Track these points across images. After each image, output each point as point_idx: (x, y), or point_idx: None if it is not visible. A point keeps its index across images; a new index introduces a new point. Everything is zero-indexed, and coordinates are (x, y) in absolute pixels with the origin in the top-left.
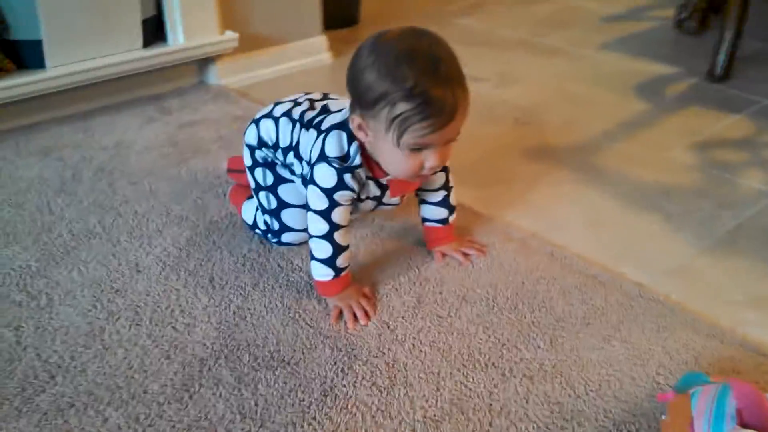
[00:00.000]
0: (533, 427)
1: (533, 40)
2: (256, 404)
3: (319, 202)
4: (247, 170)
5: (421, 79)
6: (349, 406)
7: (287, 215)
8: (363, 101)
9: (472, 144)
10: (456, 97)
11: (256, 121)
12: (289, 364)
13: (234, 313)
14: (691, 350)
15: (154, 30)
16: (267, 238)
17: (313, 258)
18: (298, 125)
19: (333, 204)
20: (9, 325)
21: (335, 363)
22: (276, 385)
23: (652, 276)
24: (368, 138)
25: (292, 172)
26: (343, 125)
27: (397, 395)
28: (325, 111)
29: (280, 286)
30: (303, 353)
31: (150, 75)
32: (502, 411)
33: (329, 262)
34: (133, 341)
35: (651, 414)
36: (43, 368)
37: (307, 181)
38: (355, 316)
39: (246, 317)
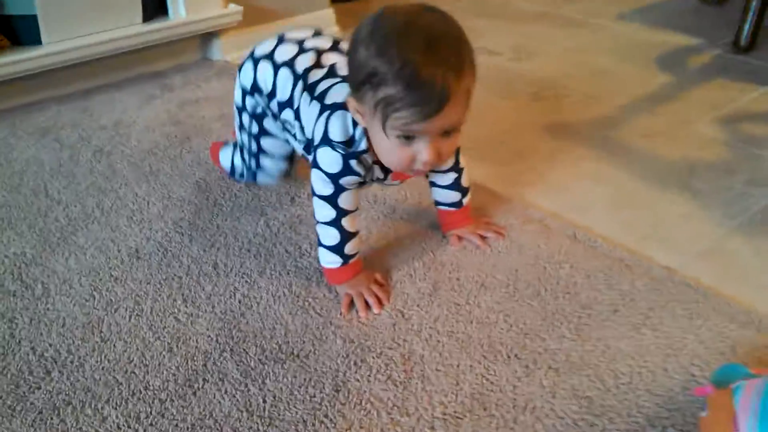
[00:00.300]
0: (561, 424)
1: (550, 12)
2: (264, 400)
3: (324, 187)
4: (234, 107)
5: (411, 59)
6: (363, 402)
7: (266, 161)
8: (352, 81)
9: (487, 119)
10: (447, 83)
11: (255, 60)
12: (298, 357)
13: (239, 302)
14: (727, 339)
15: (155, 4)
16: (241, 177)
17: (320, 244)
18: (300, 85)
19: (339, 189)
20: (2, 316)
21: (347, 355)
22: (285, 380)
23: (681, 258)
24: (364, 122)
25: (285, 129)
26: (346, 105)
27: (414, 390)
28: (332, 74)
29: (288, 273)
30: (313, 345)
31: (150, 51)
32: (527, 406)
33: (337, 248)
34: (133, 333)
35: (687, 409)
36: (39, 363)
37: (311, 164)
38: (367, 304)
39: (252, 306)
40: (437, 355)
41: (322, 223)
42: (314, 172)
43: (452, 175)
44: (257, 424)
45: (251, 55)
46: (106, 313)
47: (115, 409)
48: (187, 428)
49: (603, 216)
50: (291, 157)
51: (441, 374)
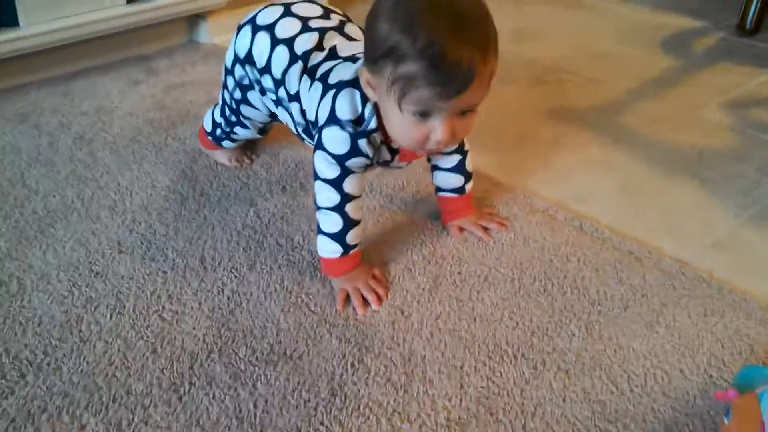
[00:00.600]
0: (573, 430)
1: None
2: (255, 406)
3: (329, 170)
4: (223, 68)
5: (437, 37)
6: (362, 408)
7: (239, 129)
8: (370, 53)
9: (488, 104)
10: (473, 64)
11: (255, 28)
12: (291, 358)
13: (228, 298)
14: (745, 337)
15: None
16: (221, 137)
17: (320, 232)
18: (298, 67)
19: (345, 172)
20: None
21: (344, 356)
22: (277, 384)
23: (693, 251)
24: (376, 96)
25: (277, 103)
26: (356, 82)
27: (415, 394)
28: (333, 56)
29: (280, 267)
30: (307, 345)
31: (135, 33)
32: (536, 411)
33: (338, 237)
34: (115, 333)
35: (706, 413)
36: (12, 366)
37: (315, 146)
38: (365, 300)
39: (242, 303)
40: (439, 356)
41: (324, 208)
42: (318, 153)
43: (456, 158)
44: None
45: (252, 21)
46: (85, 310)
47: (95, 416)
48: None
49: (609, 205)
50: (265, 129)
51: (444, 376)
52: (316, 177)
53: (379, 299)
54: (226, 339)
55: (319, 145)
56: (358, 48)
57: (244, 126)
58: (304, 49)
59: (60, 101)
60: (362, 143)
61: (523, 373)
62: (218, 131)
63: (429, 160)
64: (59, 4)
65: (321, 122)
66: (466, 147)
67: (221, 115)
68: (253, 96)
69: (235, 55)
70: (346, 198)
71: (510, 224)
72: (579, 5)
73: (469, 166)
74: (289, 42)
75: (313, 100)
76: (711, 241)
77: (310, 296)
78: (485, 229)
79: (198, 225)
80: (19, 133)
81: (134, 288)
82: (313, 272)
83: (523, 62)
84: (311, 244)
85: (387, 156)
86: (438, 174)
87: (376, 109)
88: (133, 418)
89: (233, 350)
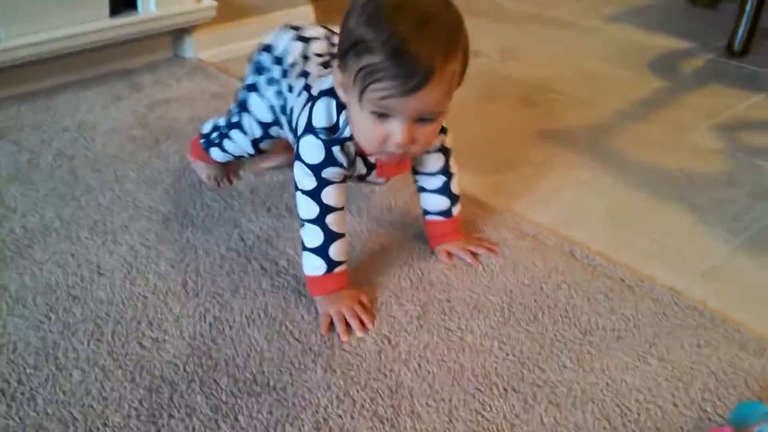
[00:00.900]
0: None
1: (537, 12)
2: None
3: (307, 180)
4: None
5: (400, 30)
6: None
7: (238, 134)
8: (339, 49)
9: (475, 124)
10: (433, 62)
11: (292, 36)
12: (274, 389)
13: (210, 325)
14: (740, 370)
15: None
16: (212, 138)
17: (304, 248)
18: (301, 83)
19: (322, 182)
20: None
21: (329, 387)
22: (260, 416)
23: (685, 279)
24: (345, 96)
25: (283, 110)
26: (332, 91)
27: (402, 428)
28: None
29: (264, 293)
30: (291, 375)
31: (119, 47)
32: None
33: (320, 251)
34: (92, 361)
35: None
36: None
37: (295, 156)
38: (349, 326)
39: (224, 330)
40: (427, 388)
41: (305, 221)
42: (296, 164)
43: (440, 179)
44: None
45: (289, 28)
46: (62, 336)
47: None
48: None
49: (599, 230)
50: (259, 143)
51: (432, 410)
52: (296, 188)
53: (364, 326)
54: (208, 368)
55: (297, 156)
56: None
57: (243, 130)
58: (310, 69)
59: (41, 116)
60: (336, 151)
61: (514, 406)
62: (214, 134)
63: (416, 181)
64: (41, 16)
65: (299, 132)
66: (452, 170)
67: (225, 116)
68: (269, 92)
69: (268, 46)
70: (325, 209)
71: (499, 249)
72: (567, 25)
73: (455, 188)
74: (304, 61)
75: (296, 111)
76: (703, 268)
77: (295, 324)
78: (474, 254)
79: (180, 247)
80: None
81: (113, 313)
82: (297, 298)
83: (512, 82)
84: (296, 269)
85: (362, 169)
86: (423, 196)
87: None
88: None
89: (214, 380)
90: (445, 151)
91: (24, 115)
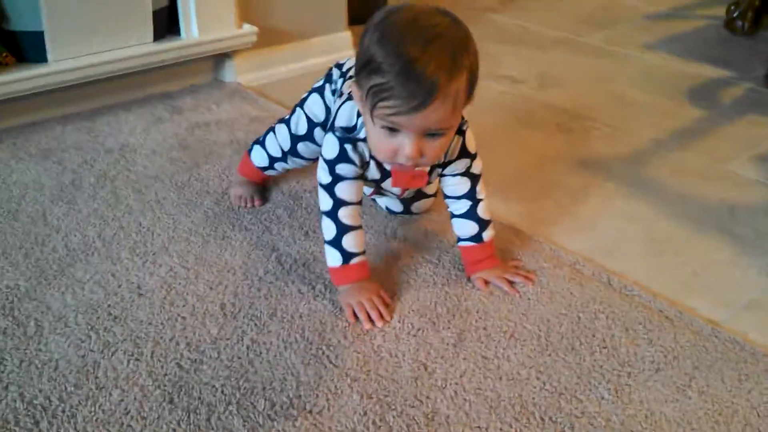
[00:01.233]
0: None
1: (573, 39)
2: None
3: (324, 174)
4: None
5: (405, 51)
6: None
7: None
8: (355, 65)
9: (512, 151)
10: (437, 81)
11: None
12: (311, 413)
13: (248, 348)
14: None
15: (166, 22)
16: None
17: (324, 241)
18: (338, 89)
19: (336, 178)
20: None
21: (365, 413)
22: None
23: (726, 311)
24: (362, 109)
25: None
26: None
27: None
28: None
29: (301, 316)
30: (327, 399)
31: (160, 71)
32: None
33: (335, 243)
34: (132, 380)
35: None
36: (26, 412)
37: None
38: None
39: (261, 353)
40: (464, 416)
41: (322, 213)
42: (319, 159)
43: (466, 203)
44: None
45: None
46: (102, 356)
47: None
48: None
49: (637, 260)
50: (295, 150)
51: None
52: (318, 182)
53: (383, 318)
54: (245, 391)
55: (321, 152)
56: None
57: (289, 126)
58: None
59: (84, 137)
60: (348, 149)
61: None
62: (264, 133)
63: (447, 207)
64: (87, 40)
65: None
66: (480, 195)
67: (290, 125)
68: (327, 93)
69: (341, 63)
70: (338, 203)
71: (536, 278)
72: (603, 52)
73: (482, 213)
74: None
75: (333, 111)
76: (744, 300)
77: (331, 348)
78: (511, 282)
79: (219, 270)
80: (42, 170)
81: (153, 333)
82: (334, 322)
83: (548, 108)
84: (333, 293)
85: (376, 174)
86: (453, 221)
87: None
88: None
89: (252, 403)
90: (471, 176)
91: (67, 136)
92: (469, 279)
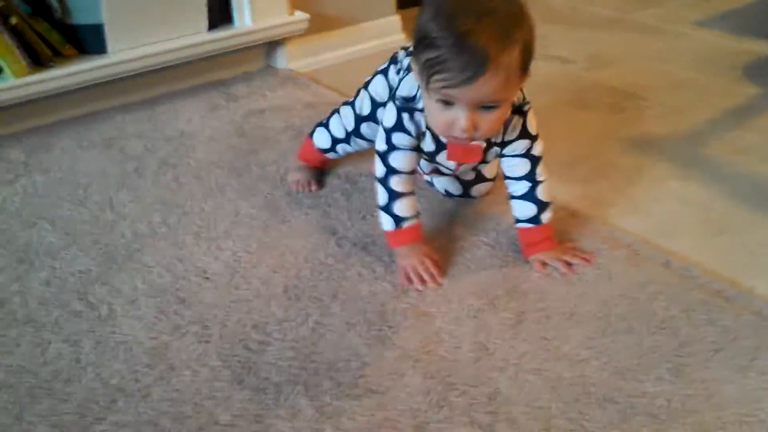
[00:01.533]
0: None
1: (622, 17)
2: None
3: (381, 142)
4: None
5: (458, 25)
6: None
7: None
8: (413, 41)
9: (565, 132)
10: (488, 53)
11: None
12: (375, 393)
13: (312, 329)
14: None
15: (220, 11)
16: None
17: (378, 206)
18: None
19: (391, 147)
20: (68, 339)
21: (428, 393)
22: (362, 420)
23: None
24: (419, 81)
25: None
26: None
27: None
28: None
29: (362, 299)
30: (392, 380)
31: (215, 59)
32: None
33: (387, 208)
34: (202, 361)
35: None
36: (104, 391)
37: None
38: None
39: (325, 335)
40: (525, 396)
41: (376, 179)
42: (379, 128)
43: (525, 184)
44: None
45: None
46: (173, 338)
47: None
48: None
49: (695, 241)
50: (358, 131)
51: (530, 418)
52: (375, 149)
53: (434, 279)
54: (311, 371)
55: (381, 121)
56: None
57: (354, 107)
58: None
59: (144, 126)
60: (405, 118)
61: (612, 419)
62: (328, 115)
63: (506, 187)
64: (145, 31)
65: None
66: (540, 177)
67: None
68: (391, 73)
69: (407, 47)
70: (390, 171)
71: (594, 259)
72: (653, 30)
73: (542, 195)
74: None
75: (396, 84)
76: None
77: (392, 329)
78: (569, 264)
79: (280, 253)
80: (106, 158)
81: (220, 316)
82: (396, 304)
83: (601, 88)
84: (392, 276)
85: (431, 146)
86: (512, 202)
87: None
88: None
89: (317, 383)
90: (532, 158)
91: (128, 124)
92: (526, 260)
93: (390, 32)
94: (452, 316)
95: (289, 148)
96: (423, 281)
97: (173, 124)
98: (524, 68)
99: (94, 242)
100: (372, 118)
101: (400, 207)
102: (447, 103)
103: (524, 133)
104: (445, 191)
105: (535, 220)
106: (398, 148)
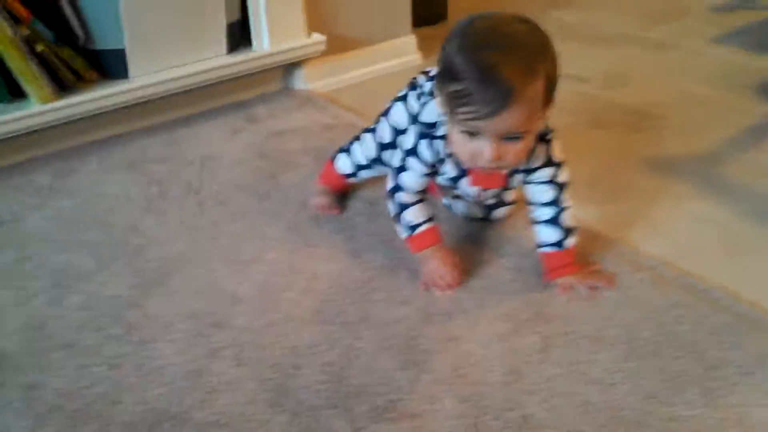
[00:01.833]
0: None
1: (637, 34)
2: None
3: (397, 159)
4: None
5: (482, 58)
6: None
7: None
8: (437, 72)
9: (582, 152)
10: (513, 86)
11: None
12: (411, 416)
13: (343, 353)
14: None
15: (239, 34)
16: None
17: (391, 217)
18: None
19: (403, 167)
20: (107, 362)
21: (463, 417)
22: None
23: None
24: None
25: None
26: None
27: None
28: None
29: (391, 323)
30: (426, 404)
31: (234, 82)
32: None
33: (398, 218)
34: (238, 385)
35: None
36: (148, 414)
37: None
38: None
39: (357, 358)
40: (557, 420)
41: (387, 192)
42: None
43: (551, 210)
44: None
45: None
46: (209, 361)
47: None
48: None
49: (716, 263)
50: (380, 159)
51: None
52: (390, 164)
53: (451, 286)
54: (345, 394)
55: (400, 143)
56: None
57: (375, 134)
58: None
59: (166, 149)
60: (424, 144)
61: None
62: (350, 141)
63: (529, 212)
64: (166, 56)
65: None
66: (565, 204)
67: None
68: (412, 99)
69: (428, 71)
70: (398, 188)
71: (617, 282)
72: (668, 47)
73: (567, 220)
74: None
75: (418, 109)
76: None
77: (423, 353)
78: (593, 287)
79: (308, 278)
80: (130, 182)
81: (254, 340)
82: (424, 328)
83: (616, 107)
84: (418, 299)
85: (452, 172)
86: (535, 227)
87: None
88: None
89: (352, 406)
90: (557, 185)
91: (150, 148)
92: (549, 284)
93: (406, 52)
94: (481, 340)
95: (310, 171)
96: (442, 286)
97: (195, 147)
98: (548, 99)
99: (125, 266)
100: (393, 146)
101: (410, 215)
102: (472, 134)
103: (549, 161)
104: (465, 214)
105: (559, 245)
106: (410, 170)
